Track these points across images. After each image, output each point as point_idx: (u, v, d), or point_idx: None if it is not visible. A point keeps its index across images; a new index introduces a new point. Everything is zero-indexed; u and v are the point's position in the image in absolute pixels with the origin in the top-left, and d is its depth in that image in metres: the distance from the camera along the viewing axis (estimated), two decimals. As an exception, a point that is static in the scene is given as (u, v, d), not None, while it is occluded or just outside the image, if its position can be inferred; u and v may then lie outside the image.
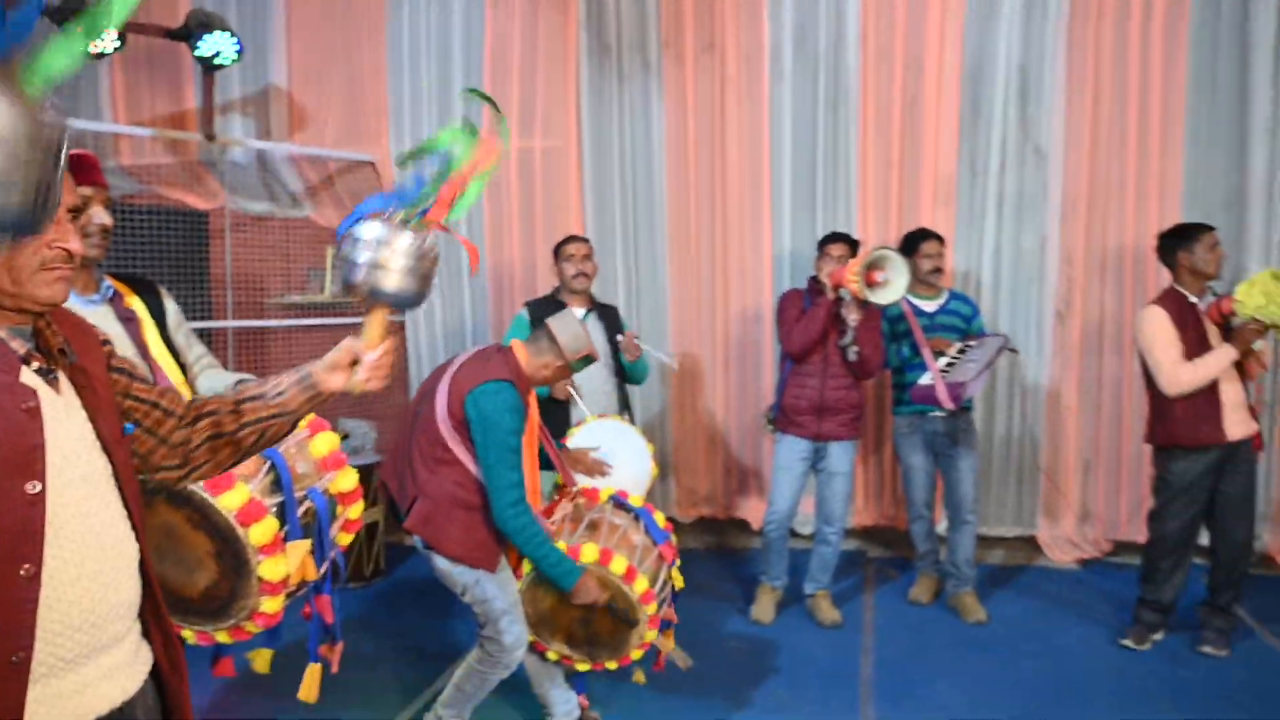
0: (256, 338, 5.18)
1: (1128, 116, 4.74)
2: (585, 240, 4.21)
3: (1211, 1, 4.62)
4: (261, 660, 2.24)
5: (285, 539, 1.80)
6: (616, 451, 3.84)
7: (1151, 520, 3.99)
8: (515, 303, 5.03)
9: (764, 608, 4.29)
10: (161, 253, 4.71)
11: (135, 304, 2.40)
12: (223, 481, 1.78)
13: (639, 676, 3.11)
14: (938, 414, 4.19)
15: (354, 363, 1.54)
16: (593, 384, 3.97)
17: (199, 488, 1.78)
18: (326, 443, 1.99)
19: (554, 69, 5.28)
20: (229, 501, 1.75)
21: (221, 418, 1.50)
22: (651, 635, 2.88)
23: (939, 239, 4.39)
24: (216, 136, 5.08)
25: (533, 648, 3.06)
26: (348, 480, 1.97)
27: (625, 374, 4.13)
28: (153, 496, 1.81)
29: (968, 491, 4.35)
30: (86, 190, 1.73)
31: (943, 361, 4.06)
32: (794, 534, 5.10)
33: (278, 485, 1.85)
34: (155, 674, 1.41)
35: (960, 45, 4.86)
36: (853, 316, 3.92)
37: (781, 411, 4.24)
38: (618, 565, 2.80)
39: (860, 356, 4.01)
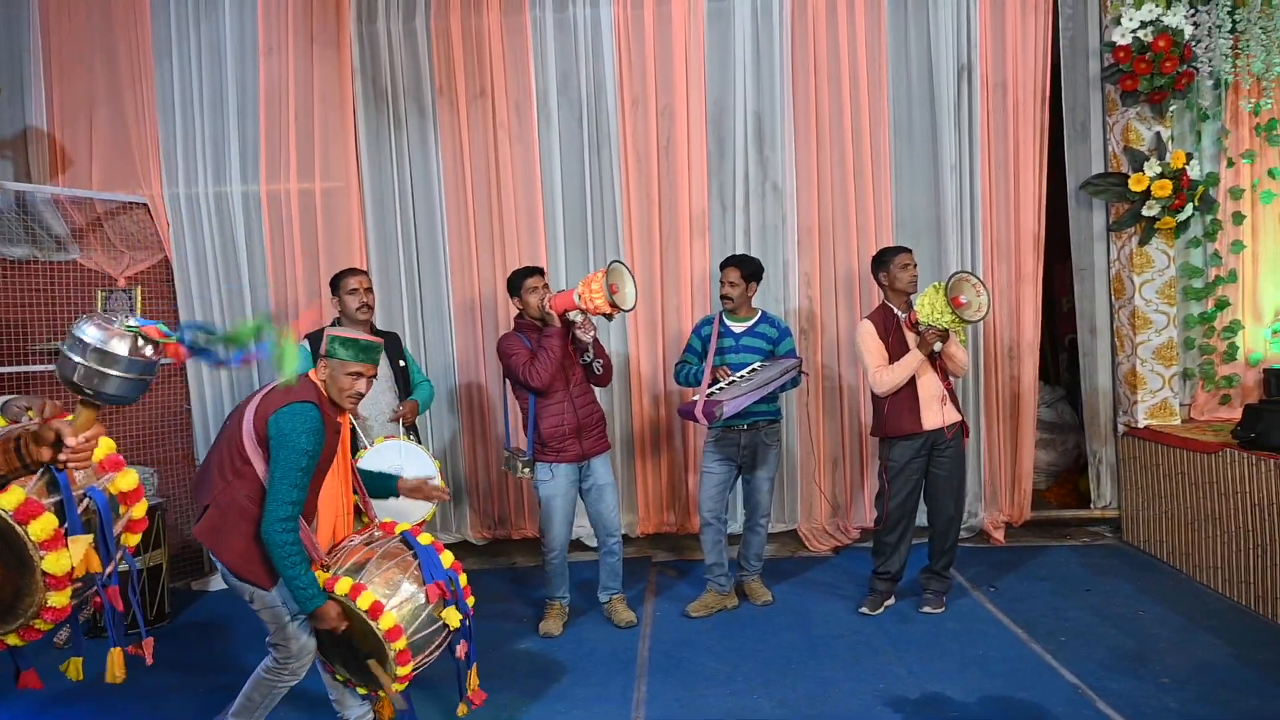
0: (21, 382, 5.00)
1: (845, 157, 5.51)
2: (364, 272, 4.43)
3: (904, 64, 5.49)
4: (74, 669, 2.32)
5: (66, 534, 1.93)
6: (404, 469, 4.07)
7: (877, 501, 4.64)
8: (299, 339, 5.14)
9: (552, 622, 4.50)
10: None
11: None
12: (-6, 485, 1.90)
13: (462, 709, 3.21)
14: (741, 427, 4.53)
15: (56, 442, 1.66)
16: (378, 407, 4.19)
17: (-28, 494, 1.90)
18: (103, 446, 2.14)
19: (330, 114, 5.48)
20: (4, 502, 1.86)
21: None
22: (404, 670, 2.96)
23: (737, 266, 4.57)
24: (-30, 180, 4.91)
25: (324, 665, 3.23)
26: (127, 480, 2.12)
27: (408, 397, 4.36)
28: (-74, 509, 1.90)
29: (762, 500, 4.72)
30: None
31: (725, 382, 4.38)
32: (583, 546, 5.48)
33: (54, 485, 1.98)
34: None
35: (704, 94, 5.49)
36: (589, 334, 4.29)
37: (543, 445, 4.38)
38: (364, 600, 2.91)
39: (606, 362, 4.41)
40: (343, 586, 2.93)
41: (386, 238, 5.60)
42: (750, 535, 4.83)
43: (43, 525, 1.89)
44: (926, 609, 4.53)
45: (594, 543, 5.43)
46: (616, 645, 4.29)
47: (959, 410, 4.55)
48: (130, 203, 5.40)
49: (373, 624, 2.91)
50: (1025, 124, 5.48)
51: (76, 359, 1.68)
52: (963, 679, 3.73)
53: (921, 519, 4.72)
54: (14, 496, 1.88)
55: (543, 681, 3.90)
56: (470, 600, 3.19)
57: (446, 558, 3.16)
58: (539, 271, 4.41)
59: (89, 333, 1.69)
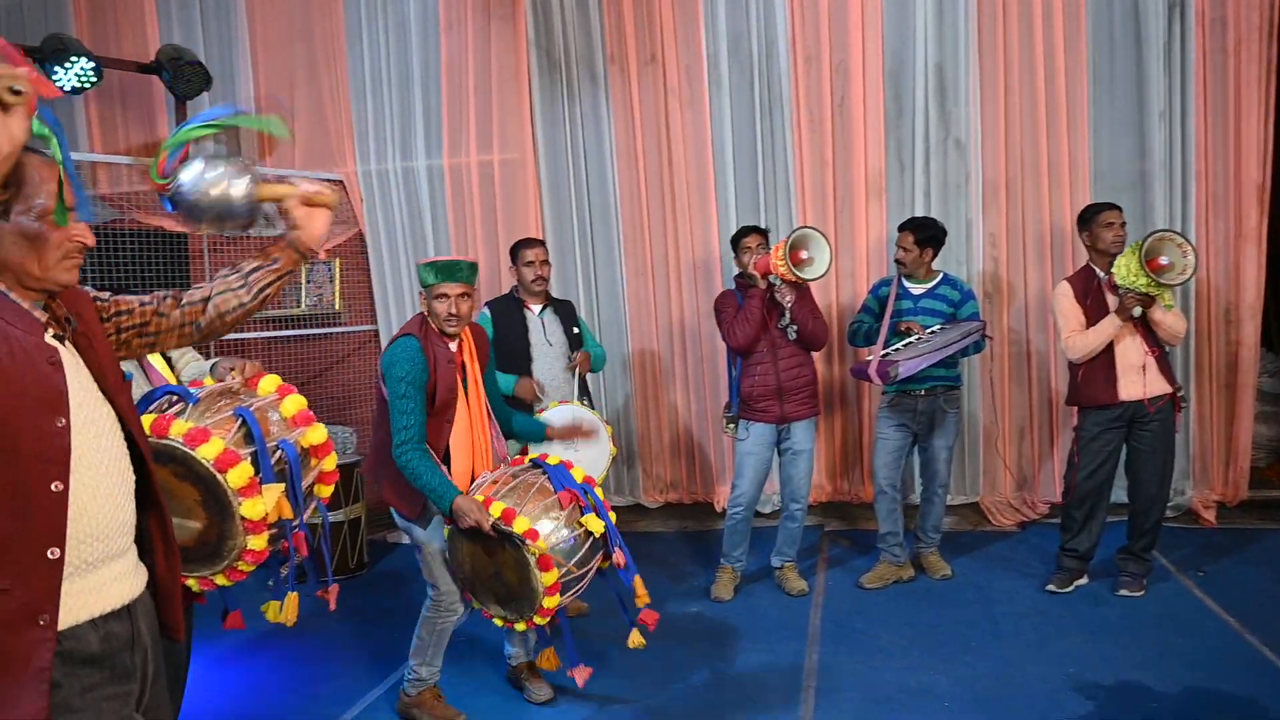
0: (239, 349, 5.48)
1: (1037, 108, 5.14)
2: (541, 243, 4.48)
3: (1105, 1, 5.04)
4: (272, 611, 2.55)
5: (261, 483, 2.12)
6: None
7: (1067, 473, 4.36)
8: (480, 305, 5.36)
9: (723, 586, 4.51)
10: (145, 274, 5.01)
11: None
12: (199, 436, 2.10)
13: (635, 639, 3.11)
14: (918, 392, 4.40)
15: (308, 206, 1.89)
16: (551, 372, 4.30)
17: (179, 443, 2.10)
18: (294, 403, 2.32)
19: (507, 86, 5.63)
20: (206, 452, 2.06)
21: (233, 294, 1.86)
22: (550, 578, 2.87)
23: (912, 231, 4.43)
24: (192, 163, 5.38)
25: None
26: (317, 434, 2.30)
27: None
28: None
29: (940, 469, 4.56)
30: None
31: (903, 342, 4.26)
32: (756, 512, 5.46)
33: (250, 438, 2.17)
34: (152, 582, 1.73)
35: (881, 48, 5.25)
36: (788, 299, 4.21)
37: (743, 402, 4.41)
38: (496, 509, 2.90)
39: (802, 333, 4.29)
40: (496, 509, 2.91)
41: (560, 206, 5.72)
42: (927, 506, 4.67)
43: (239, 473, 2.08)
44: (1124, 592, 4.22)
45: (768, 509, 5.43)
46: (787, 613, 4.25)
47: (1170, 381, 4.14)
48: (328, 179, 5.75)
49: (507, 529, 2.86)
50: (1249, 62, 4.92)
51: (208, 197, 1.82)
52: (1164, 668, 3.46)
53: (1122, 495, 4.40)
54: (215, 447, 2.08)
55: (713, 644, 3.93)
56: (612, 515, 3.07)
57: (578, 473, 3.10)
58: (755, 230, 4.40)
59: (189, 174, 1.82)
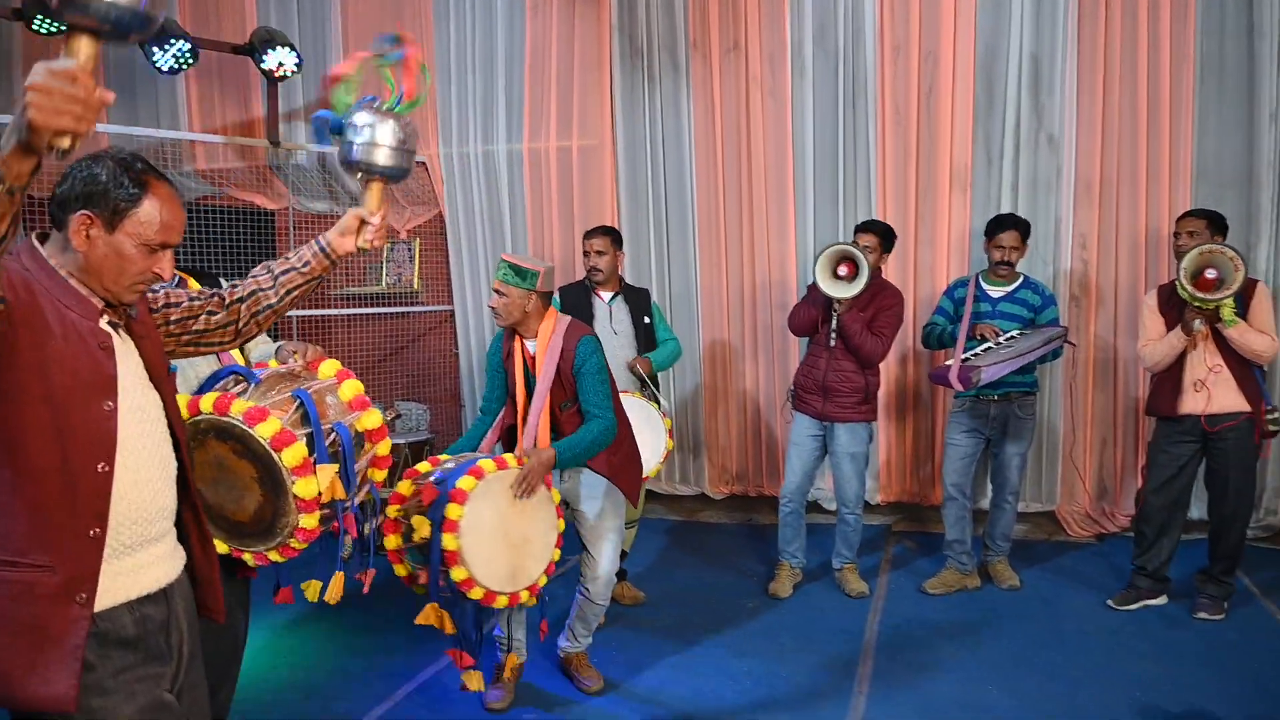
0: (320, 325, 5.65)
1: (1138, 102, 4.88)
2: (604, 234, 4.37)
3: (1217, -13, 4.75)
4: (312, 590, 2.63)
5: (315, 463, 2.18)
6: (638, 427, 4.16)
7: (1140, 487, 4.21)
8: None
9: (781, 583, 4.47)
10: (233, 249, 5.19)
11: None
12: (258, 415, 2.16)
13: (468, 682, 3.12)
14: (992, 398, 4.30)
15: (360, 227, 1.94)
16: (616, 361, 4.28)
17: (239, 421, 2.16)
18: (352, 388, 2.38)
19: (589, 72, 5.63)
20: (264, 430, 2.13)
21: (263, 294, 1.92)
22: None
23: (1018, 230, 4.29)
24: (281, 142, 5.56)
25: None
26: (372, 419, 2.35)
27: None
28: (204, 435, 2.21)
29: (1011, 476, 4.44)
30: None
31: (981, 346, 4.16)
32: (821, 509, 5.40)
33: (306, 419, 2.23)
34: (190, 568, 1.81)
35: (973, 37, 5.06)
36: (835, 305, 4.16)
37: (794, 390, 4.50)
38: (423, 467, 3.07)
39: (847, 344, 4.23)
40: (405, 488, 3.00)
41: (637, 194, 5.70)
42: (997, 513, 4.54)
43: (294, 453, 2.15)
44: (1201, 615, 4.04)
45: (831, 506, 5.35)
46: (845, 615, 4.20)
47: (1251, 400, 3.90)
48: (411, 161, 5.86)
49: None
50: (1373, 57, 4.59)
51: (353, 139, 1.95)
52: (1236, 696, 3.30)
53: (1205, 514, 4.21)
54: (272, 426, 2.15)
55: (765, 642, 3.90)
56: (454, 540, 2.80)
57: (467, 482, 2.86)
58: (869, 229, 4.40)
59: (360, 118, 1.96)
